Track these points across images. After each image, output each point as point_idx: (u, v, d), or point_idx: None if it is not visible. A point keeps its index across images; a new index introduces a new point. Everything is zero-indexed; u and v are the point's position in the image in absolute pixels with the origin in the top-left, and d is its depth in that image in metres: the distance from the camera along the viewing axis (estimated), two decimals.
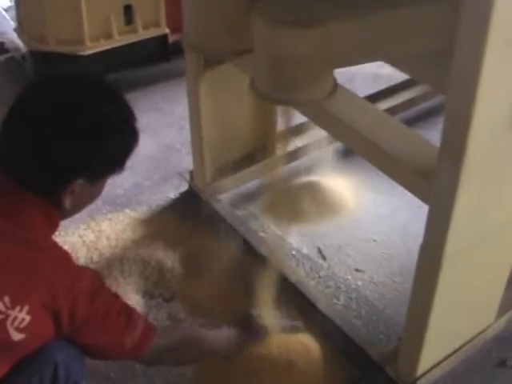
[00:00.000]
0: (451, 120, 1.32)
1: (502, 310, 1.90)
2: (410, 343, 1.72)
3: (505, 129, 1.35)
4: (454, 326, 1.73)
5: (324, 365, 1.83)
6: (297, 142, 2.56)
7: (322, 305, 2.01)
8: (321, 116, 1.72)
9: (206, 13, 1.79)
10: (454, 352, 1.83)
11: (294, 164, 2.55)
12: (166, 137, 2.86)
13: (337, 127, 1.70)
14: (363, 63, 1.59)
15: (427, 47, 1.49)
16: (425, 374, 1.76)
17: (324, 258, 2.25)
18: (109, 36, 2.94)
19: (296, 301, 2.02)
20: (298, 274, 2.14)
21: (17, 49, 3.24)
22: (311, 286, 2.10)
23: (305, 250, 2.27)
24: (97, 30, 2.91)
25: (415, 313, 1.66)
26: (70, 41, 2.90)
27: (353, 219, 2.41)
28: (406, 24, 1.46)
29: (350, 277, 2.18)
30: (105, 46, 2.95)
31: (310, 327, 1.93)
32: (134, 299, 2.06)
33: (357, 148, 1.73)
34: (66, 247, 2.19)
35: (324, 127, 1.83)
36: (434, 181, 1.42)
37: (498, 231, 1.60)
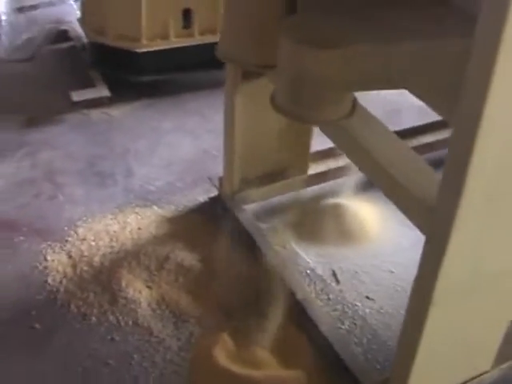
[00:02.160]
0: (453, 155, 1.32)
1: (500, 359, 1.87)
2: (397, 378, 1.71)
3: (506, 172, 1.34)
4: (444, 366, 1.71)
5: None
6: (328, 164, 2.59)
7: (324, 327, 2.00)
8: (340, 138, 1.73)
9: (237, 25, 1.82)
10: None
11: (321, 185, 2.58)
12: (204, 142, 2.93)
13: (351, 148, 1.72)
14: (383, 89, 1.60)
15: (451, 80, 1.48)
16: None
17: (337, 281, 2.26)
18: (165, 37, 3.03)
19: (299, 318, 2.03)
20: (307, 293, 2.15)
21: (78, 38, 3.39)
22: (317, 306, 2.11)
23: (319, 271, 2.29)
24: (154, 30, 2.99)
25: (403, 348, 1.65)
26: (128, 37, 2.99)
27: (373, 247, 2.42)
28: (430, 55, 1.47)
29: (359, 303, 2.19)
30: (160, 45, 3.03)
31: (308, 346, 1.97)
32: (146, 294, 2.13)
33: (364, 168, 1.74)
34: (90, 234, 2.34)
35: (340, 148, 1.84)
36: (433, 213, 1.41)
37: (496, 280, 1.58)
